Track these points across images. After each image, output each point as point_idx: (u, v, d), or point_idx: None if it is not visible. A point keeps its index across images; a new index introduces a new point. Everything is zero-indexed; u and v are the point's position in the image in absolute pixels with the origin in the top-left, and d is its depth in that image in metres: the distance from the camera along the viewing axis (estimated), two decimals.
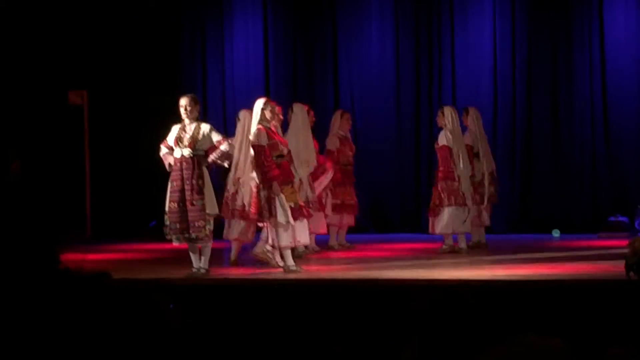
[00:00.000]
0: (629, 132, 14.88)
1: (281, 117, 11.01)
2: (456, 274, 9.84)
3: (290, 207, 10.39)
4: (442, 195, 12.20)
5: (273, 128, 10.66)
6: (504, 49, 15.25)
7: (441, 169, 12.30)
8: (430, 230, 12.47)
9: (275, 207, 10.31)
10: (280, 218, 10.32)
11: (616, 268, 9.01)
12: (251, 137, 10.55)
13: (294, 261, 10.45)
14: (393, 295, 8.47)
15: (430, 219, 12.39)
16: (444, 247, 12.32)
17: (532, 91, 15.25)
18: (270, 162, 10.39)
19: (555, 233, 14.57)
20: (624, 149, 14.91)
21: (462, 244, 12.32)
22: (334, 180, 12.75)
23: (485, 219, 13.08)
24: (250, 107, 10.92)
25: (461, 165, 12.23)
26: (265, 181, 10.34)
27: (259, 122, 10.51)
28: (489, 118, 15.25)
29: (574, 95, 15.09)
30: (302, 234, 10.68)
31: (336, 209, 12.94)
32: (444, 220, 12.18)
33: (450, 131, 12.29)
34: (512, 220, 15.22)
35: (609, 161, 15.01)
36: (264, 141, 10.41)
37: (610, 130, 15.00)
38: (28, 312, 0.89)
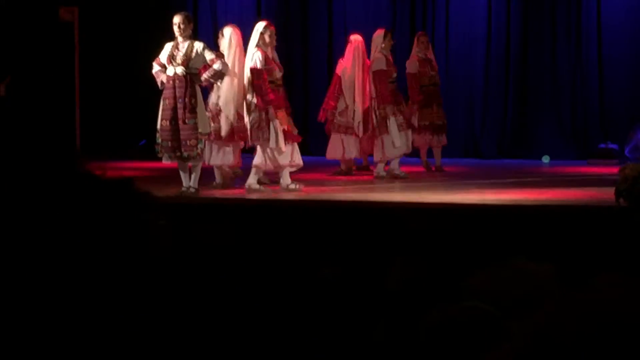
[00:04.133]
0: (621, 59, 14.84)
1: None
2: (446, 197, 9.88)
3: (283, 130, 10.43)
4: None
5: (269, 53, 10.63)
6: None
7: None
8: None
9: (269, 130, 10.34)
10: (273, 142, 10.36)
11: (605, 194, 9.04)
12: (249, 60, 10.50)
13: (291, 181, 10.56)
14: (384, 217, 8.50)
15: None
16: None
17: (528, 19, 15.15)
18: (267, 86, 10.39)
19: (545, 159, 14.60)
20: (616, 77, 14.88)
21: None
22: (417, 102, 12.77)
23: None
24: (239, 26, 10.88)
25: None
26: (262, 105, 10.34)
27: (257, 46, 10.47)
28: (483, 42, 15.20)
29: (570, 23, 15.01)
30: (296, 155, 10.72)
31: (422, 130, 12.93)
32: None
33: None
34: (503, 145, 15.23)
35: (600, 88, 14.98)
36: (263, 65, 10.38)
37: (602, 58, 14.95)
38: (49, 214, 0.89)
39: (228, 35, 10.99)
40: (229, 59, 10.64)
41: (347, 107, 12.24)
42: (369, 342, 4.38)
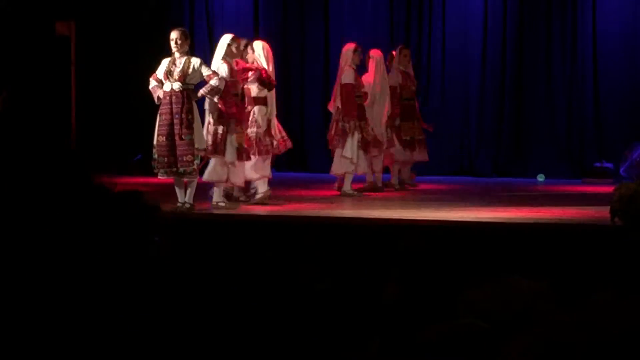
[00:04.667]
0: (617, 78, 14.87)
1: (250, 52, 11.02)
2: (441, 215, 9.88)
3: (237, 148, 10.52)
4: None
5: (237, 65, 10.68)
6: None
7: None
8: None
9: (225, 144, 10.45)
10: (228, 157, 10.44)
11: (600, 213, 9.05)
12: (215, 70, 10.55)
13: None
14: (380, 234, 8.51)
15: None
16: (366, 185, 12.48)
17: (523, 36, 15.19)
18: (231, 98, 10.45)
19: (540, 177, 14.63)
20: (612, 95, 14.91)
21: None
22: (395, 116, 12.77)
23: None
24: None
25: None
26: (222, 117, 10.41)
27: (223, 58, 10.53)
28: (478, 60, 15.25)
29: (566, 41, 15.05)
30: (239, 175, 10.75)
31: (405, 145, 12.94)
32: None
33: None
34: (498, 163, 15.25)
35: (595, 107, 15.01)
36: (228, 77, 10.43)
37: (598, 76, 14.99)
38: (62, 223, 0.89)
39: (260, 49, 11.01)
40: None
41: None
42: (365, 356, 4.38)
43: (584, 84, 15.00)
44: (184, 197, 10.22)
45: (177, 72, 10.10)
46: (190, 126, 10.03)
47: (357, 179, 12.35)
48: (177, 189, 10.27)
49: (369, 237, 8.42)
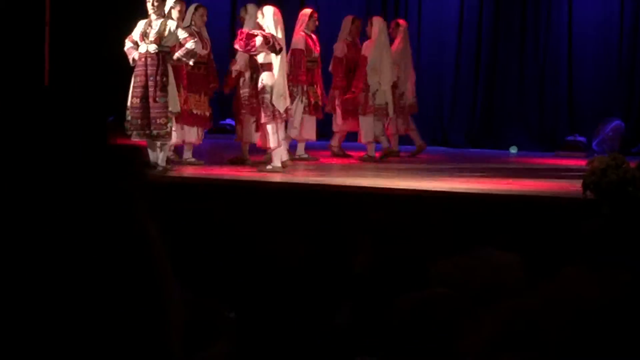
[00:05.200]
0: (591, 53, 14.92)
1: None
2: (414, 184, 9.90)
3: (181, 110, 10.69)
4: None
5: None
6: None
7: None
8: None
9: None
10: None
11: (573, 186, 9.09)
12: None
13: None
14: (351, 202, 8.51)
15: None
16: (366, 155, 12.41)
17: (499, 10, 15.20)
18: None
19: (513, 149, 14.67)
20: (585, 70, 14.96)
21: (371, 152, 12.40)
22: (341, 87, 12.68)
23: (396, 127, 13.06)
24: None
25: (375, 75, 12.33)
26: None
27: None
28: (454, 33, 15.25)
29: (540, 16, 15.07)
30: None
31: (346, 114, 12.88)
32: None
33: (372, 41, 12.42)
34: (471, 134, 15.29)
35: (569, 81, 15.07)
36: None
37: (572, 50, 15.03)
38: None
39: (270, 14, 10.81)
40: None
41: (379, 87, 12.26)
42: (335, 325, 4.39)
43: (558, 59, 15.04)
44: (158, 159, 10.18)
45: (153, 34, 10.04)
46: (164, 89, 9.99)
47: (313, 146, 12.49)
48: (149, 152, 10.23)
49: (341, 205, 8.42)
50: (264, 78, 10.65)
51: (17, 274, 0.93)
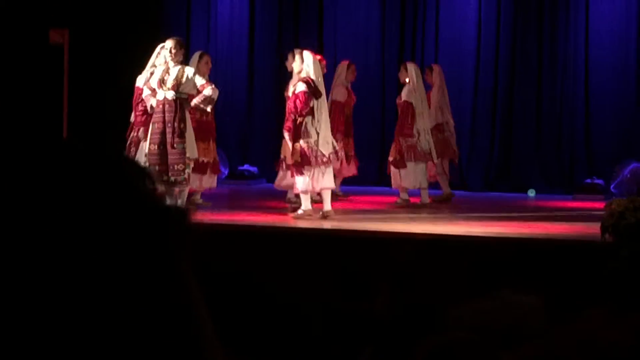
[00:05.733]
0: (609, 95, 14.91)
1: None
2: (433, 228, 9.89)
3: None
4: (402, 150, 12.17)
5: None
6: (489, 11, 15.22)
7: (399, 123, 12.28)
8: (392, 184, 12.42)
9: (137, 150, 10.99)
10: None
11: (591, 229, 9.06)
12: None
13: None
14: (370, 246, 8.50)
15: (392, 173, 12.36)
16: (399, 200, 12.28)
17: (515, 53, 15.23)
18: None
19: (531, 193, 14.64)
20: (603, 112, 14.95)
21: (425, 198, 12.32)
22: (341, 132, 12.59)
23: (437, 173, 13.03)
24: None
25: (421, 120, 12.27)
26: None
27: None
28: (471, 75, 15.28)
29: (557, 58, 15.09)
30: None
31: (350, 159, 12.89)
32: (406, 175, 12.18)
33: (412, 87, 12.31)
34: (489, 178, 15.27)
35: (587, 123, 15.06)
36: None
37: (590, 92, 15.03)
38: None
39: (310, 60, 10.81)
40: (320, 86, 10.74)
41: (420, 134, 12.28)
42: None
43: (575, 101, 15.03)
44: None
45: (170, 80, 10.11)
46: (182, 135, 10.04)
47: None
48: (167, 199, 10.27)
49: (361, 249, 8.42)
50: (307, 122, 10.64)
51: (57, 332, 0.93)
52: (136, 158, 10.22)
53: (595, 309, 3.55)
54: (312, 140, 10.51)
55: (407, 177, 12.14)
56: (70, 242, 0.92)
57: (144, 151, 10.64)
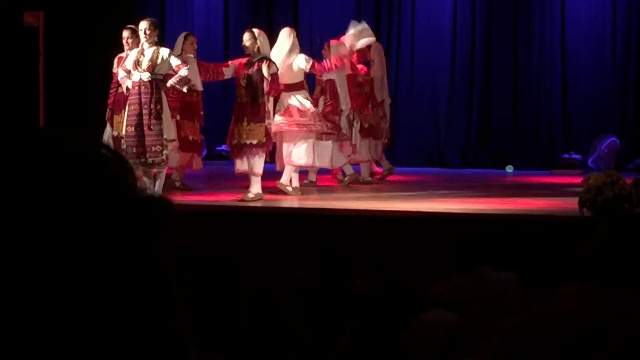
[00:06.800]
0: (586, 70, 14.96)
1: None
2: (412, 206, 9.90)
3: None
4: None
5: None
6: None
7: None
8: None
9: None
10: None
11: (569, 204, 9.10)
12: None
13: None
14: (348, 225, 8.51)
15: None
16: (346, 178, 12.08)
17: (492, 30, 15.24)
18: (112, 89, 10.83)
19: (509, 169, 14.68)
20: (580, 88, 15.00)
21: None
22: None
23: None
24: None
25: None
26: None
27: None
28: (447, 53, 15.30)
29: (533, 34, 15.12)
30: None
31: None
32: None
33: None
34: (467, 155, 15.30)
35: (564, 99, 15.10)
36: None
37: (566, 68, 15.07)
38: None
39: (291, 37, 11.15)
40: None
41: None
42: (335, 345, 4.38)
43: (552, 76, 15.07)
44: (153, 188, 10.18)
45: (145, 62, 10.06)
46: (159, 116, 10.00)
47: None
48: (145, 179, 10.23)
49: (340, 228, 8.42)
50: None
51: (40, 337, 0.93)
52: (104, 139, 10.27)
53: (572, 284, 3.57)
54: (270, 121, 10.68)
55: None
56: (49, 237, 0.91)
57: (108, 133, 10.78)
